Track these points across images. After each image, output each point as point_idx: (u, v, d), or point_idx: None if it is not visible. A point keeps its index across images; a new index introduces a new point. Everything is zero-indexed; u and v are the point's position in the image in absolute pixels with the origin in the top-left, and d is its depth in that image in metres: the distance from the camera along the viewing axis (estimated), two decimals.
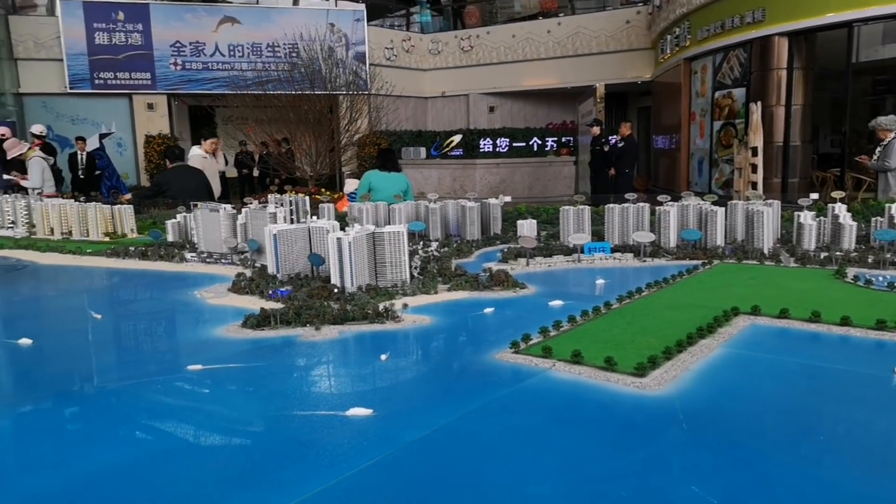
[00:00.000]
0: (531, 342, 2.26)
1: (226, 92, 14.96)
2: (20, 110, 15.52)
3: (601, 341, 2.26)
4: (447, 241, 4.74)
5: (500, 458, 1.47)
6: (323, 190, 11.28)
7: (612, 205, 4.38)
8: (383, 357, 2.22)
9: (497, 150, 17.88)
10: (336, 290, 3.09)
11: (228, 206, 4.47)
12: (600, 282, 3.40)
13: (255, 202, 5.31)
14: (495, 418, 1.70)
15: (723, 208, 4.14)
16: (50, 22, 15.72)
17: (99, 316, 2.92)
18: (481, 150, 17.73)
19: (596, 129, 10.97)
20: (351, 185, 7.34)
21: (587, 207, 4.44)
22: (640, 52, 16.77)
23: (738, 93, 11.48)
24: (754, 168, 10.13)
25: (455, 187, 16.90)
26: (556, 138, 17.92)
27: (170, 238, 4.97)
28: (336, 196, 9.58)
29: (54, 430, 1.72)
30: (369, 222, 4.62)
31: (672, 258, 3.96)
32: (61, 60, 15.62)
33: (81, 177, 11.07)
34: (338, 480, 1.36)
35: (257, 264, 3.98)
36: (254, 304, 3.10)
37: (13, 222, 5.99)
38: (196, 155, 8.91)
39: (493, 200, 5.09)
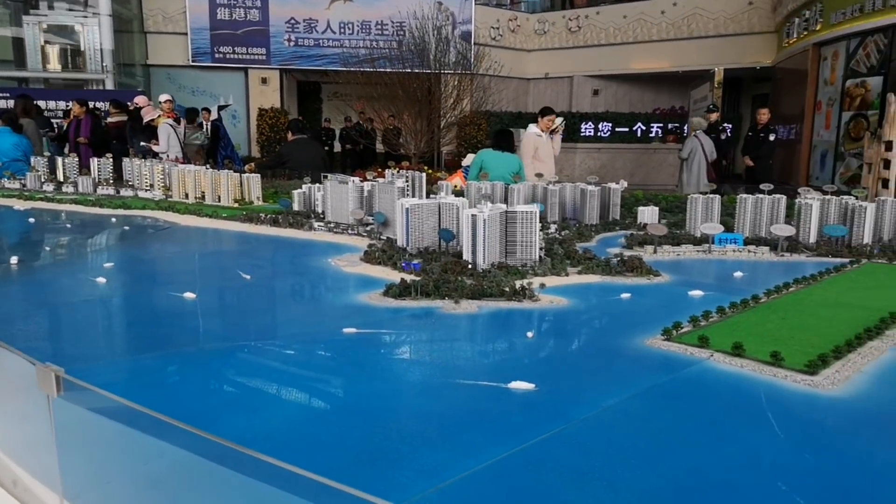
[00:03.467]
0: (682, 330, 2.21)
1: (337, 69, 15.37)
2: (147, 81, 16.60)
3: (757, 335, 2.18)
4: (565, 224, 4.69)
5: (680, 442, 1.46)
6: (425, 167, 11.44)
7: (745, 195, 4.19)
8: (529, 334, 2.24)
9: (598, 134, 17.48)
10: (470, 266, 3.13)
11: (356, 179, 4.61)
12: (738, 274, 3.27)
13: (373, 176, 5.46)
14: (664, 403, 1.68)
15: (873, 204, 3.87)
16: None
17: (248, 277, 3.10)
18: (582, 134, 17.39)
19: (714, 116, 10.47)
20: (469, 158, 7.39)
21: (717, 196, 4.27)
22: (761, 36, 15.82)
23: (874, 82, 10.63)
24: (887, 164, 9.39)
25: (555, 170, 16.66)
26: (661, 124, 17.29)
27: (295, 207, 5.19)
28: (440, 174, 9.68)
29: (238, 379, 1.86)
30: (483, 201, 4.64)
31: (812, 254, 3.75)
32: (185, 34, 16.54)
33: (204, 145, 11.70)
34: (519, 449, 1.39)
35: (382, 236, 4.10)
36: (387, 274, 3.20)
37: (151, 185, 6.43)
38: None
39: (613, 185, 4.99)
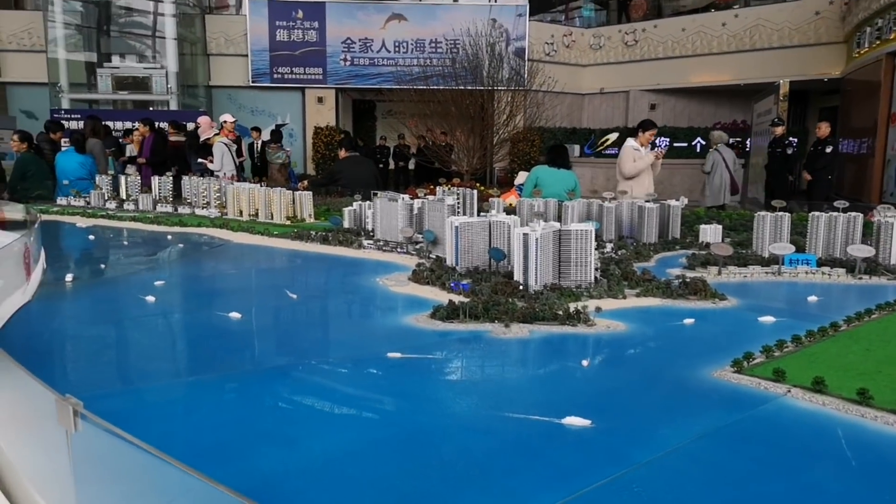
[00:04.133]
0: (754, 362, 2.03)
1: (392, 87, 15.51)
2: (209, 101, 17.15)
3: (839, 368, 1.97)
4: (621, 242, 4.50)
5: (757, 494, 1.29)
6: (477, 184, 11.36)
7: (817, 213, 3.93)
8: (585, 363, 2.09)
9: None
10: (521, 287, 3.00)
11: (406, 197, 4.55)
12: (812, 298, 3.03)
13: (424, 193, 5.40)
14: (737, 446, 1.51)
15: None
16: (239, 20, 17.21)
17: (295, 296, 3.05)
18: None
19: (779, 129, 10.05)
20: (522, 176, 7.26)
21: (787, 214, 4.01)
22: (828, 47, 15.17)
23: None
24: None
25: (609, 187, 16.33)
26: None
27: (346, 224, 5.17)
28: (492, 191, 9.57)
29: (277, 406, 1.78)
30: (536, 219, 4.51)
31: (893, 277, 3.46)
32: (246, 56, 17.04)
33: (258, 164, 11.97)
34: (573, 497, 1.25)
35: (432, 255, 4.01)
36: (435, 294, 3.10)
37: (207, 203, 6.55)
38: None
39: (672, 202, 4.77)
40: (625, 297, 3.00)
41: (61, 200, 6.97)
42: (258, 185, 6.51)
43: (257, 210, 6.02)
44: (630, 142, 6.98)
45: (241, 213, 6.08)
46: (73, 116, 13.50)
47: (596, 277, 3.22)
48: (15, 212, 5.00)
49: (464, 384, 1.96)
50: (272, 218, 5.86)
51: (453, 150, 12.27)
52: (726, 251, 3.58)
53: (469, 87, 12.04)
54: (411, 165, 16.34)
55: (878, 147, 12.09)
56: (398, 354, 2.17)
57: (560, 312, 2.62)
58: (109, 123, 12.06)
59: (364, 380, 2.00)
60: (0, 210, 5.57)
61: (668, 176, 16.49)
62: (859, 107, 13.64)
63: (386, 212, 4.50)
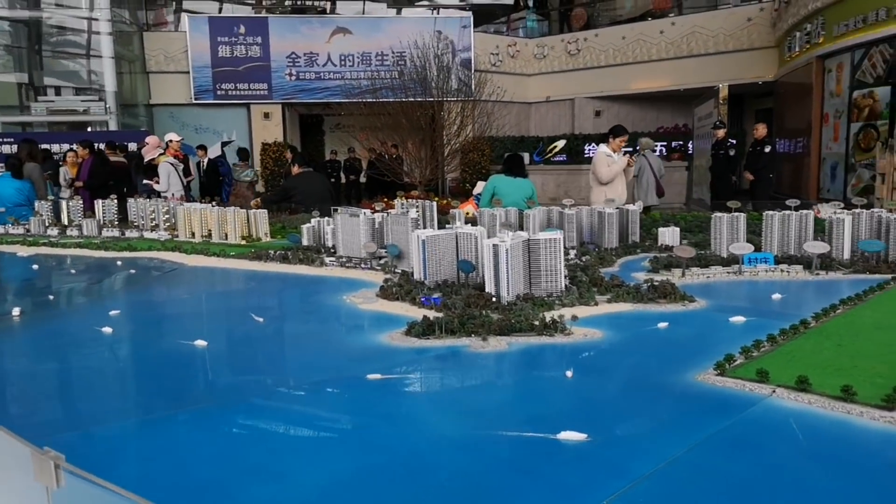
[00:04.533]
0: (735, 363, 2.04)
1: (340, 101, 15.39)
2: (150, 120, 16.66)
3: (817, 365, 2.00)
4: (584, 249, 4.54)
5: (767, 501, 1.28)
6: (431, 195, 11.34)
7: (771, 212, 4.04)
8: (568, 373, 2.07)
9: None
10: (494, 299, 2.98)
11: (367, 212, 4.48)
12: (776, 296, 3.10)
13: (381, 207, 5.35)
14: (734, 452, 1.51)
15: None
16: (178, 37, 16.80)
17: (261, 319, 2.94)
18: (586, 156, 17.31)
19: (721, 132, 10.38)
20: (480, 186, 7.25)
21: (742, 214, 4.12)
22: (761, 52, 15.81)
23: (882, 92, 10.53)
24: None
25: (559, 193, 16.58)
26: (664, 143, 17.21)
27: (304, 242, 5.05)
28: (452, 202, 9.57)
29: (260, 438, 1.69)
30: (504, 230, 4.50)
31: (848, 271, 3.58)
32: (188, 73, 16.63)
33: (203, 181, 11.66)
34: None
35: (397, 270, 3.95)
36: (406, 310, 3.04)
37: (156, 225, 6.31)
38: None
39: (631, 206, 4.85)
40: (596, 304, 3.00)
41: None
42: (210, 204, 6.31)
43: (210, 231, 5.84)
44: (602, 147, 7.02)
45: (192, 234, 5.88)
46: (5, 140, 12.88)
47: (566, 286, 3.22)
48: None
49: (450, 403, 1.91)
50: (226, 238, 5.69)
51: (404, 161, 12.23)
52: (689, 253, 3.64)
53: (419, 99, 12.05)
54: (363, 179, 16.22)
55: (814, 146, 12.64)
56: (378, 376, 2.10)
57: (536, 323, 2.60)
58: (46, 146, 11.54)
59: (346, 404, 1.93)
60: None
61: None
62: (793, 108, 14.25)
63: (347, 227, 4.42)
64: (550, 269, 3.13)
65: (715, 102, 12.35)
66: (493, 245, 3.04)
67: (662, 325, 2.63)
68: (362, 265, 4.21)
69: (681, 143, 16.86)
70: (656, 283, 3.13)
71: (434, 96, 12.38)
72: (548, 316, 2.66)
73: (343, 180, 17.14)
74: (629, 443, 1.57)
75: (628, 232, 4.77)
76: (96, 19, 15.51)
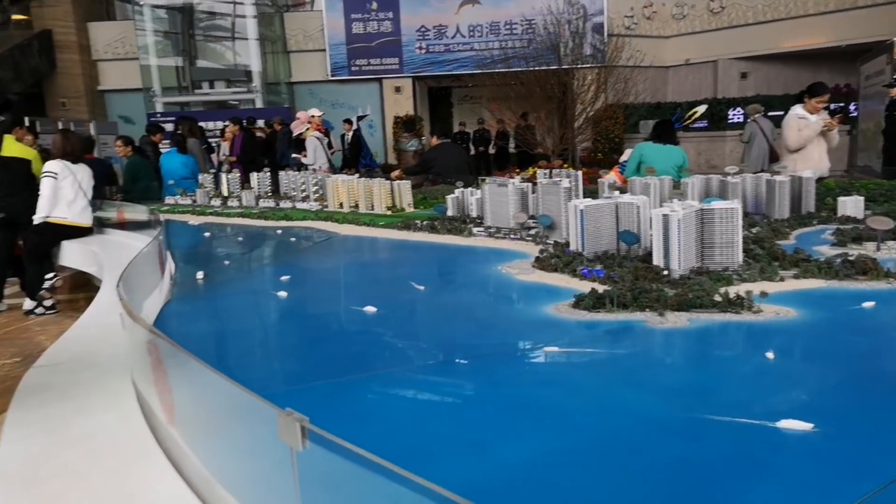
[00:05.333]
0: None
1: (470, 72, 15.33)
2: (291, 97, 17.52)
3: None
4: (749, 220, 4.18)
5: None
6: (565, 164, 11.05)
7: None
8: (769, 355, 1.88)
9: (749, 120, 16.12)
10: (664, 272, 2.80)
11: (515, 181, 4.40)
12: None
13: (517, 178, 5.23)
14: None
15: None
16: (315, 16, 17.45)
17: (422, 287, 2.96)
18: (730, 122, 16.13)
19: (895, 91, 9.22)
20: (627, 154, 6.94)
21: None
22: None
23: None
24: None
25: (700, 162, 15.62)
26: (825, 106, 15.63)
27: (449, 212, 5.07)
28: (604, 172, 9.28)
29: (451, 407, 1.68)
30: (675, 199, 4.26)
31: None
32: (324, 51, 17.27)
33: (347, 155, 12.11)
34: None
35: (548, 241, 3.85)
36: (567, 282, 2.94)
37: (307, 196, 6.61)
38: None
39: (806, 173, 4.41)
40: (782, 280, 2.74)
41: (169, 200, 7.22)
42: (354, 176, 6.51)
43: (357, 202, 6.02)
44: (795, 109, 6.21)
45: (341, 205, 6.09)
46: (167, 119, 14.06)
47: (744, 259, 2.97)
48: (138, 213, 5.19)
49: (641, 381, 1.80)
50: (372, 209, 5.84)
51: (535, 132, 12.00)
52: (886, 225, 3.24)
53: (552, 67, 11.73)
54: (492, 150, 16.14)
55: None
56: (556, 349, 2.03)
57: (718, 298, 2.41)
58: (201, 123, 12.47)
59: (528, 376, 1.87)
60: (122, 211, 5.82)
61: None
62: None
63: (496, 197, 4.36)
64: (727, 242, 2.90)
65: (888, 58, 11.01)
66: (664, 215, 2.85)
67: (868, 304, 2.34)
68: (511, 235, 4.15)
69: (841, 104, 15.23)
70: (851, 258, 2.81)
71: (567, 64, 12.00)
72: (732, 291, 2.45)
73: (472, 152, 17.17)
74: (867, 437, 1.39)
75: (801, 202, 4.34)
76: (241, 3, 16.46)
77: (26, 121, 8.64)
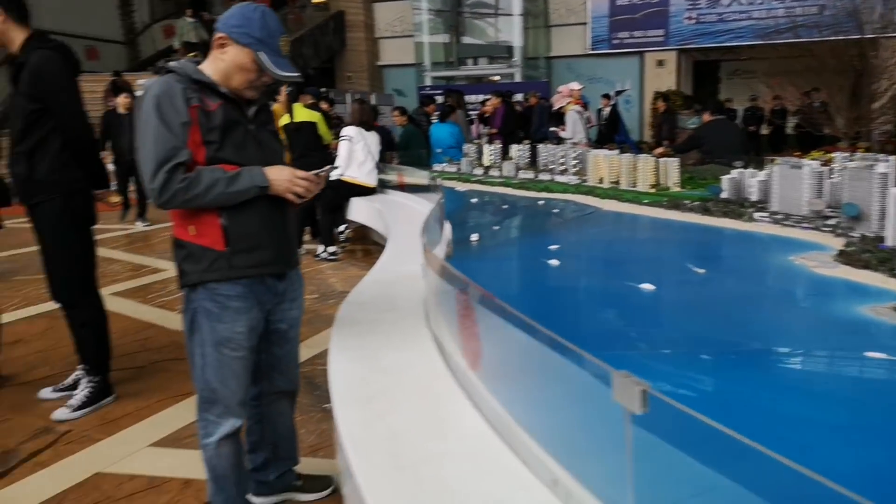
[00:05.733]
0: None
1: (749, 42, 13.96)
2: (549, 72, 17.61)
3: None
4: None
5: None
6: (863, 149, 9.51)
7: None
8: None
9: None
10: None
11: (814, 163, 3.89)
12: None
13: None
14: None
15: None
16: None
17: (701, 270, 2.78)
18: None
19: None
20: None
21: None
22: None
23: None
24: None
25: None
26: None
27: (724, 195, 4.68)
28: None
29: (786, 395, 1.55)
30: None
31: None
32: (584, 24, 16.99)
33: (603, 131, 11.89)
34: None
35: (852, 233, 3.35)
36: (883, 282, 2.54)
37: (565, 169, 6.60)
38: None
39: None
40: None
41: (436, 167, 7.75)
42: (615, 151, 6.34)
43: (618, 178, 5.86)
44: None
45: (601, 180, 5.98)
46: (435, 92, 15.08)
47: None
48: (418, 177, 5.66)
49: None
50: (635, 186, 5.63)
51: (827, 110, 10.49)
52: None
53: (853, 37, 10.08)
54: (764, 130, 14.54)
55: None
56: (880, 354, 1.76)
57: None
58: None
59: (853, 382, 1.65)
60: (402, 175, 6.41)
61: None
62: None
63: (787, 180, 3.91)
64: None
65: None
66: None
67: None
68: (803, 224, 3.70)
69: None
70: None
71: (870, 32, 10.21)
72: None
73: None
74: None
75: None
76: None
77: (323, 91, 9.87)
